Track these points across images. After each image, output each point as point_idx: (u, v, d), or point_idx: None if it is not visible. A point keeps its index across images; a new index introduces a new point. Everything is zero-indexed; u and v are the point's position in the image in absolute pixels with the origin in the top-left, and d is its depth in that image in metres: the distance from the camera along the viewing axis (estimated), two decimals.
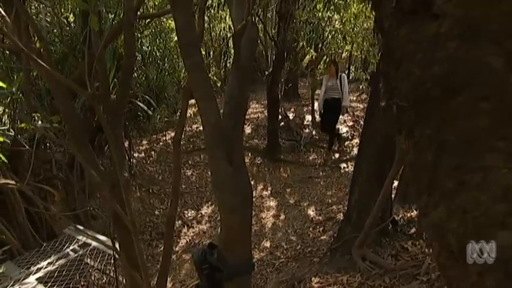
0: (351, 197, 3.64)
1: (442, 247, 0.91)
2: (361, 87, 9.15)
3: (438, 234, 0.93)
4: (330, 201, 5.20)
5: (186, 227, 5.35)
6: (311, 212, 5.08)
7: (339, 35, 7.50)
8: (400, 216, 3.62)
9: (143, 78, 8.22)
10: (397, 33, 0.84)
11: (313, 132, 7.84)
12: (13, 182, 2.79)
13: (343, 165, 6.38)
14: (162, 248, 4.77)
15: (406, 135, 0.96)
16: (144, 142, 8.34)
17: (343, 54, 10.49)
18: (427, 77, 0.77)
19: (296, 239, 4.40)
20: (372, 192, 3.20)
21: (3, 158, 1.83)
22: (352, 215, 3.49)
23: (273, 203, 5.62)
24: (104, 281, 3.42)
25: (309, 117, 8.48)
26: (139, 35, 6.78)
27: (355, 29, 7.54)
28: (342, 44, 7.82)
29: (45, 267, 2.70)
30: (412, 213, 3.63)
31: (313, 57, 8.19)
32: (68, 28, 4.89)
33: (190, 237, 5.07)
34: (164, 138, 8.66)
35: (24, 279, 2.52)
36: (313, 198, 5.51)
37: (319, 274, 3.09)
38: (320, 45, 8.09)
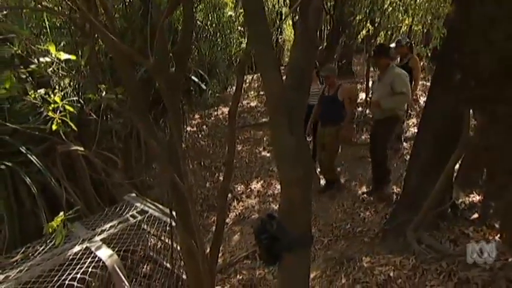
0: (407, 178, 3.49)
1: None
2: (421, 64, 8.60)
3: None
4: None
5: (235, 200, 5.48)
6: (361, 192, 4.98)
7: (400, 8, 7.06)
8: (461, 200, 3.42)
9: (196, 53, 8.35)
10: None
11: (367, 111, 7.58)
12: (82, 149, 3.00)
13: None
14: (212, 219, 4.96)
15: (478, 113, 0.88)
16: (196, 116, 8.57)
17: (403, 28, 9.91)
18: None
19: (346, 218, 4.33)
20: (429, 175, 3.04)
21: (73, 127, 1.95)
22: (408, 196, 3.35)
23: (322, 182, 5.56)
24: (159, 246, 3.62)
25: (362, 96, 8.19)
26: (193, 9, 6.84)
27: (418, 0, 7.06)
28: (402, 17, 7.36)
29: (108, 230, 2.91)
30: (473, 198, 3.41)
31: (370, 31, 7.81)
32: (127, 4, 5.05)
33: (239, 211, 5.19)
34: (215, 113, 8.84)
35: (90, 239, 2.74)
36: (364, 178, 5.38)
37: (370, 254, 3.03)
38: (378, 19, 7.67)
